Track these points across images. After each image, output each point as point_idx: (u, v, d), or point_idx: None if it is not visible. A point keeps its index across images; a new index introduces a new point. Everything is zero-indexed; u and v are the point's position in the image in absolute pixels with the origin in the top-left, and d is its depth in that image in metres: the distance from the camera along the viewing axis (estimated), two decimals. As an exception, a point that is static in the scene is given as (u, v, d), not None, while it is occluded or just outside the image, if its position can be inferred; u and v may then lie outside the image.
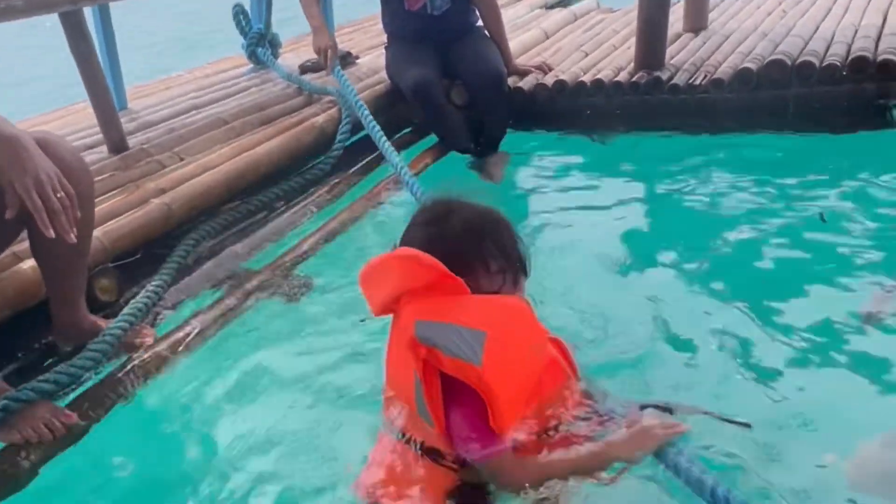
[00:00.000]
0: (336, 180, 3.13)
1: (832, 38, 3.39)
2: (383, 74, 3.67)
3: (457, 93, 3.44)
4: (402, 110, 3.59)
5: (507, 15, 4.97)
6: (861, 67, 3.04)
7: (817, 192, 2.73)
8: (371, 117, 3.12)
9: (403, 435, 1.42)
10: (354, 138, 3.38)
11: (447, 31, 3.41)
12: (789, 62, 3.13)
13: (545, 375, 1.42)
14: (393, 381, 1.50)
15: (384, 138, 3.01)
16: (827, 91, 3.11)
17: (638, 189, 3.03)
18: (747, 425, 1.48)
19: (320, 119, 3.28)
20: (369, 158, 3.31)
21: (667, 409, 1.46)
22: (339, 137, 3.24)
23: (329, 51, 3.45)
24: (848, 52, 3.16)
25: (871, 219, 2.48)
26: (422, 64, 3.28)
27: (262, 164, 2.95)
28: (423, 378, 1.34)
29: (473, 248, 1.43)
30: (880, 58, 3.02)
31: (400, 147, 3.37)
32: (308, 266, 2.54)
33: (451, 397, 1.35)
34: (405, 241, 1.48)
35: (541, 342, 1.45)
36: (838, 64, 3.07)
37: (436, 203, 1.51)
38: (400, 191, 3.05)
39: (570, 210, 2.86)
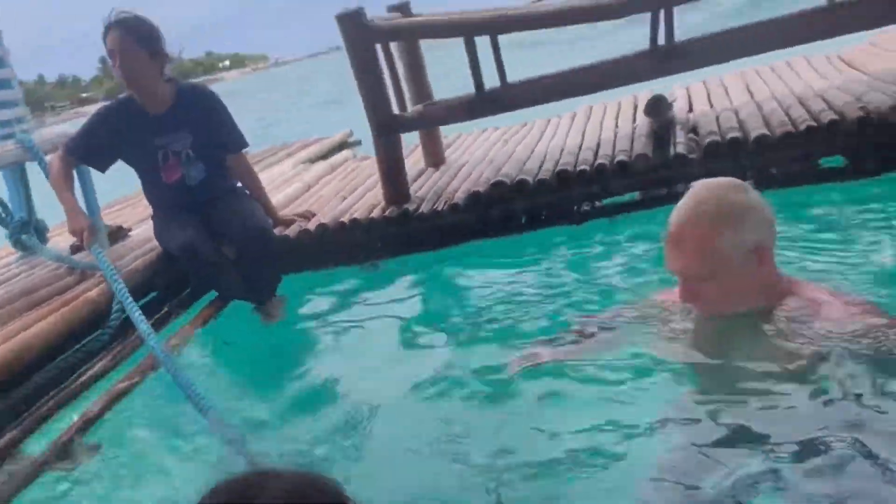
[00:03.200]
0: (118, 347, 3.22)
1: (544, 157, 4.07)
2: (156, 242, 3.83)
3: (228, 248, 3.65)
4: (182, 269, 3.75)
5: (273, 172, 5.40)
6: (565, 178, 3.70)
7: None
8: (126, 292, 3.13)
9: None
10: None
11: (206, 196, 3.59)
12: (509, 181, 3.73)
13: None
14: None
15: (140, 316, 3.05)
16: (545, 200, 3.74)
17: (411, 306, 3.37)
18: None
19: (93, 293, 3.35)
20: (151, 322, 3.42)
21: None
22: (115, 306, 3.32)
23: (85, 231, 3.41)
24: (555, 166, 3.82)
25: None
26: (187, 226, 3.44)
27: (35, 346, 2.97)
28: None
29: None
30: (579, 168, 3.70)
31: (188, 303, 3.64)
32: (96, 432, 2.60)
33: None
34: None
35: None
36: (547, 178, 3.72)
37: (231, 484, 0.99)
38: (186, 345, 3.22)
39: (351, 337, 3.14)
